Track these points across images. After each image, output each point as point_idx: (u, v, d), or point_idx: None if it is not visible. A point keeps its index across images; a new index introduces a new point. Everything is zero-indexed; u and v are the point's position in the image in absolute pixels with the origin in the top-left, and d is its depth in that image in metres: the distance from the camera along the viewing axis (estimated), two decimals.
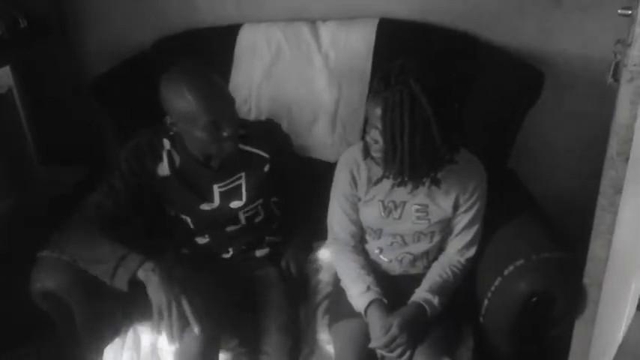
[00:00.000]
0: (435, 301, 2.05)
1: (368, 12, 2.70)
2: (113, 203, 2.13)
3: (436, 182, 2.04)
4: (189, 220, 2.27)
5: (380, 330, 1.99)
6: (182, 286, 1.95)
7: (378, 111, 1.89)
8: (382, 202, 2.16)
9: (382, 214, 2.17)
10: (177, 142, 2.16)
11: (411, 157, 1.90)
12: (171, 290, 1.93)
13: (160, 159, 2.17)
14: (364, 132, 2.48)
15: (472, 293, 2.21)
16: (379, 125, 1.91)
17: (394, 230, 2.20)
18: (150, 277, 1.94)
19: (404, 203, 2.15)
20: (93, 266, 2.01)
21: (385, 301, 2.07)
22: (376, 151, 2.00)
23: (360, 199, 2.20)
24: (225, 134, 2.01)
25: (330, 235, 2.31)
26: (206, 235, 2.31)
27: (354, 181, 2.18)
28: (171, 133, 2.14)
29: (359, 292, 2.10)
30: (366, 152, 2.09)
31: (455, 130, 1.94)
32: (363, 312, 2.07)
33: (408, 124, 1.85)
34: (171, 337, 1.94)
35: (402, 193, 2.13)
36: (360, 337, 2.07)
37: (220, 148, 2.06)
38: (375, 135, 1.96)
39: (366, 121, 2.04)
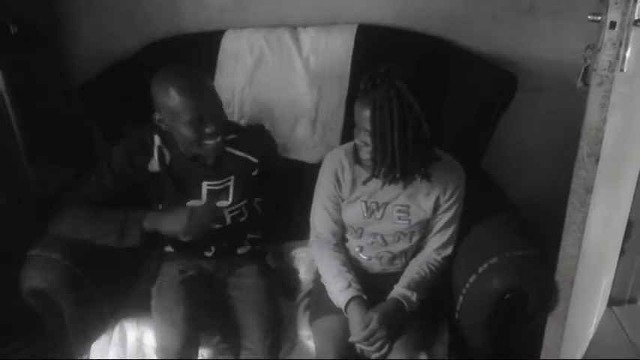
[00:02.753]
0: (413, 297, 2.03)
1: (347, 18, 2.68)
2: (99, 193, 2.14)
3: (427, 176, 2.03)
4: None
5: (360, 325, 1.97)
6: None
7: (367, 112, 1.87)
8: (365, 202, 2.14)
9: (364, 214, 2.15)
10: (168, 138, 2.13)
11: (402, 155, 1.89)
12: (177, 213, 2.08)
13: (151, 155, 2.15)
14: (344, 134, 2.50)
15: (448, 290, 2.20)
16: (368, 127, 1.89)
17: (375, 230, 2.17)
18: (154, 222, 2.07)
19: (386, 204, 2.12)
20: (97, 236, 2.08)
21: (365, 297, 2.05)
22: (366, 154, 1.98)
23: (343, 200, 2.17)
24: (208, 131, 1.98)
25: (312, 233, 2.28)
26: None
27: (337, 182, 2.14)
28: (161, 129, 2.11)
29: (340, 289, 2.07)
30: (355, 157, 2.08)
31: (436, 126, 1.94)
32: (343, 308, 2.05)
33: (397, 122, 1.84)
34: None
35: (384, 195, 2.11)
36: (340, 333, 2.04)
37: (204, 146, 2.03)
38: (364, 137, 1.94)
39: (352, 125, 2.01)
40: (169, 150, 2.15)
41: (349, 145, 2.14)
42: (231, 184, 2.20)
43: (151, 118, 2.06)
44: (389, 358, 1.99)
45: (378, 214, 2.14)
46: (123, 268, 2.27)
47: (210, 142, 2.01)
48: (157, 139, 2.14)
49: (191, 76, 1.98)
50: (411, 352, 1.97)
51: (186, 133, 1.97)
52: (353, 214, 2.16)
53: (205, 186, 2.17)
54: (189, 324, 2.04)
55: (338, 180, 2.14)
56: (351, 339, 1.99)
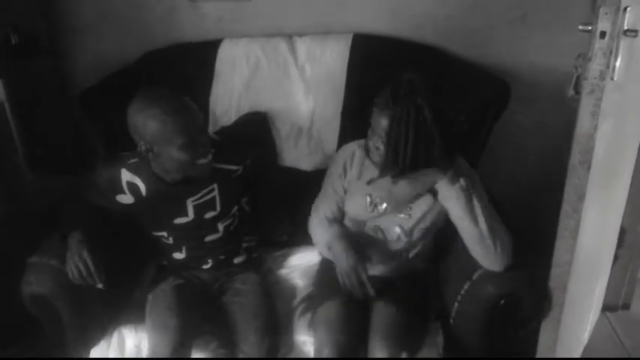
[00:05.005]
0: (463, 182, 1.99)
1: (342, 28, 2.68)
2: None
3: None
4: (165, 234, 2.21)
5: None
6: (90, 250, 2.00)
7: (384, 123, 1.92)
8: (370, 195, 2.15)
9: (368, 207, 2.16)
10: (140, 169, 2.08)
11: (412, 163, 1.95)
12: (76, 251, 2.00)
13: (120, 191, 2.11)
14: (339, 141, 2.53)
15: (438, 294, 2.23)
16: (383, 136, 1.93)
17: (377, 223, 2.19)
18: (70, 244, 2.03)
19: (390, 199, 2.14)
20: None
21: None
22: (376, 156, 2.03)
23: (346, 191, 2.20)
24: (201, 150, 1.96)
25: (310, 219, 2.28)
26: (183, 250, 2.24)
27: (344, 172, 2.19)
28: (130, 161, 2.08)
29: (342, 249, 2.08)
30: (367, 152, 2.11)
31: (454, 140, 2.00)
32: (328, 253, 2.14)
33: (413, 138, 1.89)
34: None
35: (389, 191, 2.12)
36: (339, 322, 2.06)
37: (197, 166, 2.00)
38: (377, 142, 1.98)
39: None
40: (143, 181, 2.09)
41: (363, 140, 2.15)
42: (216, 193, 2.16)
43: (119, 154, 2.07)
44: (370, 356, 2.00)
45: (381, 208, 2.15)
46: (122, 275, 2.26)
47: (203, 160, 1.99)
48: (125, 174, 2.09)
49: (175, 99, 1.92)
50: (392, 350, 1.97)
51: (180, 156, 1.93)
52: (357, 206, 2.18)
53: (190, 203, 2.13)
54: (180, 331, 2.02)
55: (345, 169, 2.19)
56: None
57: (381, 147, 1.96)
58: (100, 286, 1.99)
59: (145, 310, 2.16)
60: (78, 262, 1.96)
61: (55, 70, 2.86)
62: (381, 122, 1.93)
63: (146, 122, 1.88)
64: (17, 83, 2.63)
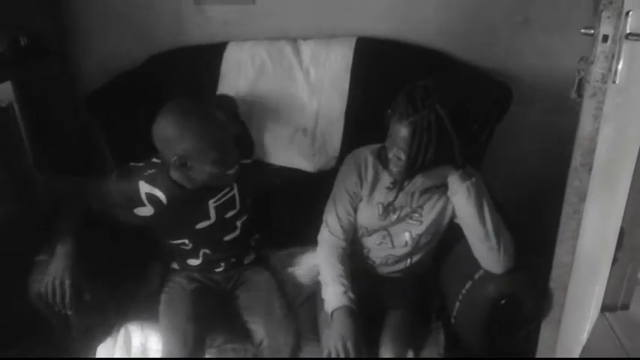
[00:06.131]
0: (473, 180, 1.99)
1: (346, 31, 2.67)
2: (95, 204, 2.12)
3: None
4: (186, 241, 2.19)
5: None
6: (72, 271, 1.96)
7: (405, 133, 1.87)
8: (382, 204, 2.14)
9: (380, 215, 2.15)
10: (158, 180, 2.04)
11: (431, 166, 1.92)
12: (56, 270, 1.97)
13: (140, 204, 2.06)
14: (343, 143, 2.53)
15: (439, 294, 2.23)
16: (404, 146, 1.88)
17: (387, 229, 2.17)
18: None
19: (402, 207, 2.13)
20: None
21: (355, 308, 2.02)
22: (396, 166, 1.98)
23: (362, 199, 2.17)
24: (231, 161, 1.94)
25: (323, 229, 2.24)
26: (200, 255, 2.22)
27: (359, 180, 2.15)
28: (147, 173, 2.04)
29: (335, 292, 2.05)
30: (381, 161, 2.11)
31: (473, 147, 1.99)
32: (330, 311, 2.03)
33: (434, 147, 1.85)
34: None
35: (401, 198, 2.11)
36: None
37: (226, 177, 1.98)
38: (397, 152, 1.93)
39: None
40: (162, 191, 2.05)
41: (375, 146, 2.15)
42: (235, 191, 2.15)
43: (129, 166, 2.06)
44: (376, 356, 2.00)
45: (393, 217, 2.14)
46: (128, 273, 2.26)
47: (232, 171, 1.97)
48: (143, 187, 2.04)
49: (208, 112, 1.89)
50: (398, 349, 1.98)
51: (212, 169, 1.90)
52: (369, 215, 2.16)
53: (212, 204, 2.11)
54: (196, 336, 2.02)
55: (360, 177, 2.14)
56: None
57: (403, 157, 1.91)
58: (69, 313, 1.98)
59: (151, 308, 2.15)
60: (56, 286, 1.94)
61: (63, 71, 2.86)
62: (401, 131, 1.87)
63: (178, 136, 1.83)
64: (26, 85, 2.63)
